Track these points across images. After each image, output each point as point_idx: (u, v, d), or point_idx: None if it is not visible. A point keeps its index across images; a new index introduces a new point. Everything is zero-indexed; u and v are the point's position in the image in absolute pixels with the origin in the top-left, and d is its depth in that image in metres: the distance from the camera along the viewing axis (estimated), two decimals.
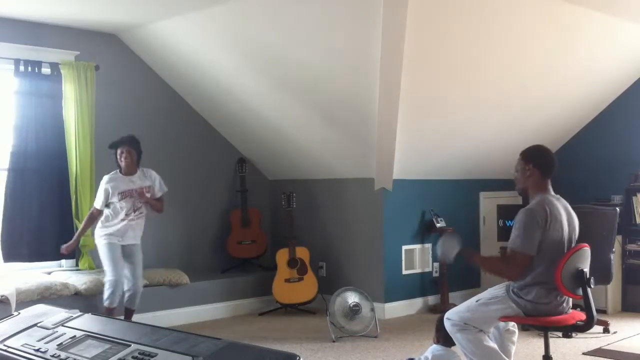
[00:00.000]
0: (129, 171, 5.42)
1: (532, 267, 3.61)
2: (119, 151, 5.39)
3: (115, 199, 5.35)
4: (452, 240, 3.80)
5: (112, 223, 5.36)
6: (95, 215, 5.44)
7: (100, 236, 5.39)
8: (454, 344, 3.86)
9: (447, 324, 3.74)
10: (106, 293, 5.27)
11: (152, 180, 5.51)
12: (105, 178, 5.41)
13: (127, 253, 5.40)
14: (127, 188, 5.37)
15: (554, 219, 3.61)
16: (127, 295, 5.39)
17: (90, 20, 5.89)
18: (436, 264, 6.69)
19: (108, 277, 5.31)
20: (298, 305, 6.43)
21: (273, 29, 5.44)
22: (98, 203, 5.41)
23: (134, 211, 5.40)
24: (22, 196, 5.78)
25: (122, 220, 5.35)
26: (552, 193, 3.77)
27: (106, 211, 5.37)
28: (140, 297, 5.46)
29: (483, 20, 5.22)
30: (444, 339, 3.89)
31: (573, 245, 3.74)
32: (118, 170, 5.43)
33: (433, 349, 3.98)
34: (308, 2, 5.03)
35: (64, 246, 5.45)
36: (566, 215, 3.72)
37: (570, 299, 3.73)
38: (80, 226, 5.57)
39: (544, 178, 3.75)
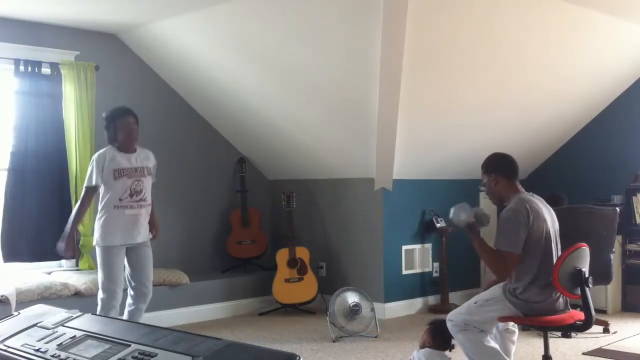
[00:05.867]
0: (132, 147, 4.57)
1: (524, 265, 3.64)
2: (121, 122, 4.52)
3: (108, 178, 4.46)
4: (465, 208, 3.83)
5: (105, 215, 4.48)
6: (90, 197, 4.58)
7: (96, 235, 4.54)
8: (446, 349, 3.86)
9: (449, 325, 3.76)
10: (99, 311, 4.41)
11: (153, 163, 4.71)
12: (96, 153, 4.59)
13: (132, 254, 4.58)
14: (124, 166, 4.48)
15: (536, 215, 3.66)
16: (127, 311, 4.60)
17: (90, 20, 5.89)
18: (436, 264, 6.70)
19: (101, 294, 4.51)
20: (298, 305, 6.43)
21: (273, 29, 5.44)
22: (92, 180, 4.49)
23: (131, 196, 4.47)
24: (22, 196, 5.78)
25: (116, 207, 4.45)
26: (525, 192, 3.82)
27: (102, 198, 4.50)
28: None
29: (483, 21, 5.23)
30: (439, 344, 3.87)
31: (558, 237, 3.78)
32: (115, 147, 4.56)
33: (425, 352, 3.88)
34: (308, 2, 5.03)
35: (62, 248, 4.56)
36: (545, 209, 3.77)
37: (568, 297, 3.74)
38: (73, 212, 4.64)
39: (510, 181, 3.81)
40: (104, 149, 4.60)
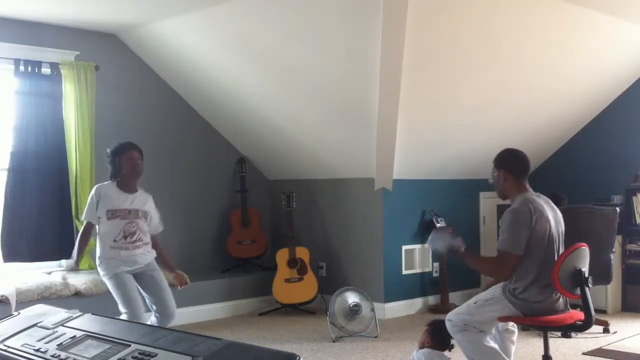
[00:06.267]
0: (134, 185, 4.52)
1: (525, 265, 3.63)
2: (126, 156, 4.46)
3: (102, 217, 4.43)
4: (443, 235, 3.81)
5: (104, 252, 4.45)
6: (88, 230, 4.56)
7: (100, 269, 4.49)
8: (446, 349, 3.88)
9: (448, 325, 3.76)
10: None
11: (151, 208, 4.60)
12: (95, 187, 4.57)
13: (142, 280, 4.52)
14: (118, 207, 4.42)
15: (539, 215, 3.64)
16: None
17: (90, 20, 5.89)
18: (436, 264, 6.69)
19: (125, 317, 4.30)
20: (298, 305, 6.43)
21: (273, 29, 5.44)
22: (84, 214, 4.55)
23: (124, 237, 4.41)
24: (22, 196, 5.78)
25: (112, 248, 4.41)
26: (532, 191, 3.81)
27: (100, 231, 4.49)
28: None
29: (483, 21, 5.23)
30: (438, 344, 3.89)
31: (562, 238, 3.77)
32: (116, 183, 4.51)
33: (425, 352, 3.91)
34: (308, 2, 5.03)
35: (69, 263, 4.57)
36: (550, 210, 3.76)
37: (568, 297, 3.74)
38: (76, 244, 4.64)
39: (519, 180, 3.80)
40: (104, 183, 4.56)
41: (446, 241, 3.78)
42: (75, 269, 4.77)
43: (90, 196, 4.54)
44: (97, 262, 4.52)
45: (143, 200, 4.55)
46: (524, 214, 3.62)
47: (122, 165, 4.46)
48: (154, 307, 4.55)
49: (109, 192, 4.46)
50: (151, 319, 4.56)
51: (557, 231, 3.73)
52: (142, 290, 4.55)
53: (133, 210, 4.46)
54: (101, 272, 4.49)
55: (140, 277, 4.53)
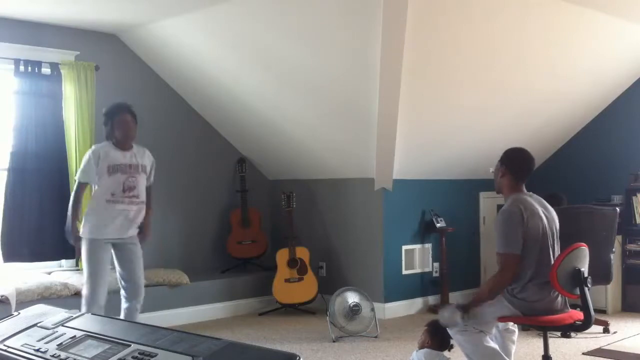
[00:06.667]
0: (128, 144, 4.58)
1: (522, 265, 3.64)
2: (118, 119, 4.52)
3: (102, 173, 4.46)
4: (451, 310, 3.77)
5: (96, 208, 4.47)
6: (82, 194, 4.55)
7: (83, 228, 4.50)
8: (445, 349, 3.88)
9: None
10: (83, 309, 4.21)
11: (149, 161, 4.73)
12: (92, 147, 4.65)
13: (121, 251, 4.57)
14: (118, 162, 4.49)
15: (530, 214, 3.66)
16: (123, 311, 4.56)
17: (90, 20, 5.89)
18: (436, 264, 6.70)
19: (84, 291, 4.46)
20: (298, 305, 6.43)
21: (273, 28, 5.44)
22: (81, 174, 4.53)
23: (124, 191, 4.46)
24: (22, 196, 5.78)
25: (108, 201, 4.44)
26: (525, 192, 3.83)
27: (94, 192, 4.51)
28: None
29: (483, 21, 5.23)
30: (438, 344, 3.89)
31: (556, 237, 3.78)
32: (111, 142, 4.57)
33: (424, 352, 3.93)
34: (308, 2, 5.04)
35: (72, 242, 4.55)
36: (542, 209, 3.77)
37: (567, 297, 3.74)
38: (69, 212, 4.57)
39: (516, 181, 3.82)
40: (100, 143, 4.65)
41: (453, 310, 3.74)
42: (77, 243, 4.48)
43: (87, 157, 4.55)
44: (85, 219, 4.50)
45: (141, 154, 4.65)
46: (515, 214, 3.64)
47: (115, 128, 4.55)
48: (124, 283, 4.59)
49: (108, 149, 4.53)
50: (122, 302, 4.61)
51: (550, 229, 3.74)
52: (116, 263, 4.58)
53: (133, 165, 4.56)
54: (84, 229, 4.49)
55: (120, 247, 4.56)
